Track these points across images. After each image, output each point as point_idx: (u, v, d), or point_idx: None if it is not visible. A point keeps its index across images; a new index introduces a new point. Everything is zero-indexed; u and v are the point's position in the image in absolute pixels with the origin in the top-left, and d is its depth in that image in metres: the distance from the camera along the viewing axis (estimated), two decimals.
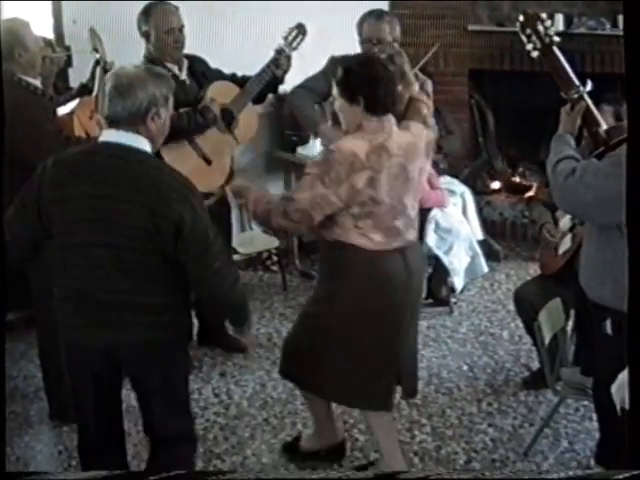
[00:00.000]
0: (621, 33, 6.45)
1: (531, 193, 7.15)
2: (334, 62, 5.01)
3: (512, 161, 7.40)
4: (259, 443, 4.28)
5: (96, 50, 4.54)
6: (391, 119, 3.61)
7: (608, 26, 6.36)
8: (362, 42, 4.90)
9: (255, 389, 4.77)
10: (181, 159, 4.47)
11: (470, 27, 6.72)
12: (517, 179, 7.33)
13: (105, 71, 4.52)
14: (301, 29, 5.01)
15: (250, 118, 5.02)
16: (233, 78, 4.97)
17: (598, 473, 2.78)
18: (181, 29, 4.75)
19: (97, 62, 4.53)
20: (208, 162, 4.80)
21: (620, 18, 6.31)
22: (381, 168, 3.53)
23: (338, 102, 3.63)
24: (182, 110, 4.62)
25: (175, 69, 4.73)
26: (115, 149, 3.07)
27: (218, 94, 4.85)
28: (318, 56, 5.14)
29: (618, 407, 3.34)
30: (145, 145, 3.09)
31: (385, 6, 6.38)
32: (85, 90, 4.58)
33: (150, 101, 3.04)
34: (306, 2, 5.68)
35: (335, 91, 3.62)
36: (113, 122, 3.06)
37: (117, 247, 3.07)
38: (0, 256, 2.85)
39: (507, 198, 7.17)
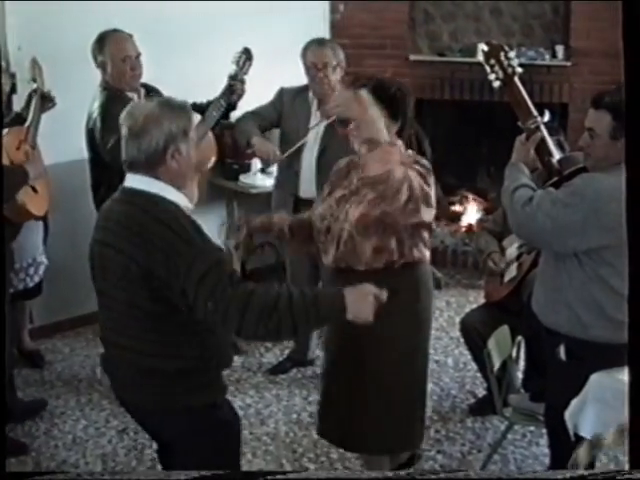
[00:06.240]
0: (560, 63, 6.64)
1: (469, 222, 7.27)
2: (282, 93, 5.04)
3: (450, 189, 7.49)
4: None
5: (34, 80, 4.50)
6: None
7: (547, 56, 6.48)
8: (308, 69, 4.88)
9: None
10: None
11: (412, 57, 6.78)
12: (455, 207, 7.44)
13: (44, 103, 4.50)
14: (248, 54, 4.93)
15: (209, 147, 4.88)
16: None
17: (601, 472, 2.83)
18: (138, 57, 4.68)
19: (34, 92, 4.49)
20: None
21: (558, 48, 6.45)
22: None
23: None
24: None
25: (135, 98, 4.61)
26: (130, 195, 2.90)
27: None
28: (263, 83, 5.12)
29: (571, 432, 3.39)
30: (160, 188, 2.86)
31: (326, 36, 6.44)
32: (19, 119, 4.53)
33: (167, 139, 2.82)
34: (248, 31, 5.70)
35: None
36: (132, 166, 2.88)
37: (109, 297, 2.95)
38: (0, 259, 2.82)
39: (447, 226, 7.25)
